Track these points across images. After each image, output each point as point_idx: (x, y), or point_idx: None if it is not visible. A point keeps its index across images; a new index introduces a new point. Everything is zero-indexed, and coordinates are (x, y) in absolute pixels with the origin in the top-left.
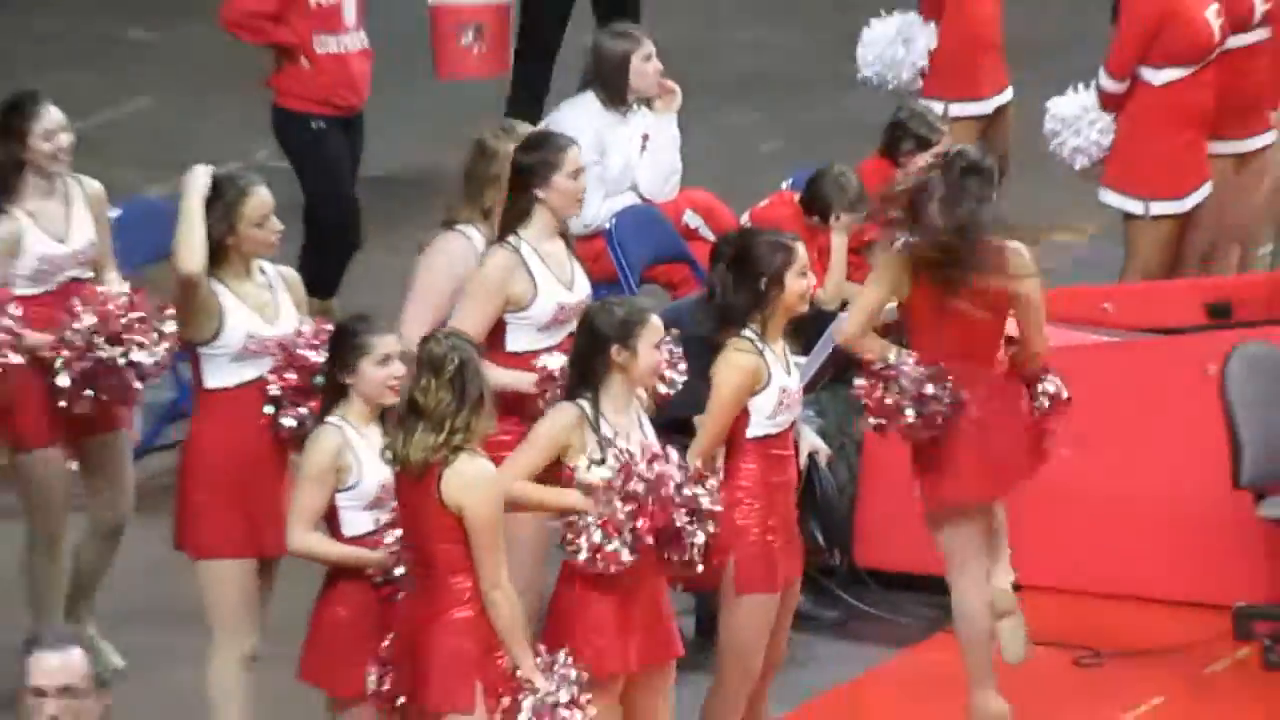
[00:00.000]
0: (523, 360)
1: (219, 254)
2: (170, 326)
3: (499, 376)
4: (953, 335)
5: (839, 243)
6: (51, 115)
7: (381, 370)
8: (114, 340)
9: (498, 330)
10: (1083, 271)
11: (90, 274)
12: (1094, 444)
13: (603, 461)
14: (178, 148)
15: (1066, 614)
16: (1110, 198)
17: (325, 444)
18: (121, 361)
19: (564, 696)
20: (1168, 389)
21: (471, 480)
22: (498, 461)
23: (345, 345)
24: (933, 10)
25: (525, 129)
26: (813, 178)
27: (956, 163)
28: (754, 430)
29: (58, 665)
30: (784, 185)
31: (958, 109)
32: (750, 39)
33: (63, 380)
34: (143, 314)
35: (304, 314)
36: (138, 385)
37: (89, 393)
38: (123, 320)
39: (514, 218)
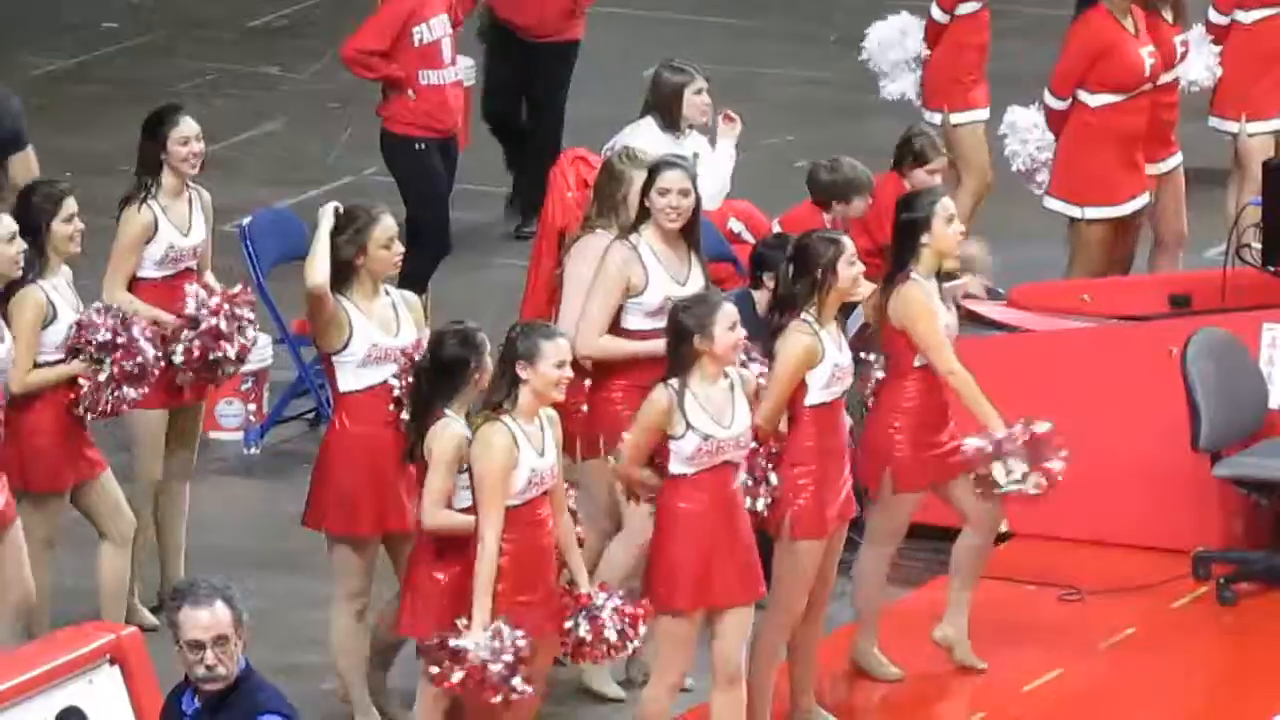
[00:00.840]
0: (638, 338)
1: (349, 274)
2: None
3: (634, 346)
4: None
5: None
6: (188, 124)
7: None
8: (225, 323)
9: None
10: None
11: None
12: (1075, 413)
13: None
14: (299, 165)
15: (1052, 557)
16: (1052, 204)
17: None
18: (228, 347)
19: (469, 656)
20: (1137, 367)
21: (480, 440)
22: (613, 416)
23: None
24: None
25: (647, 157)
26: (823, 170)
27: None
28: (811, 399)
29: (209, 619)
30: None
31: (957, 118)
32: (783, 75)
33: (179, 356)
34: (250, 302)
35: (423, 330)
36: (235, 367)
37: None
38: (233, 309)
39: (638, 220)
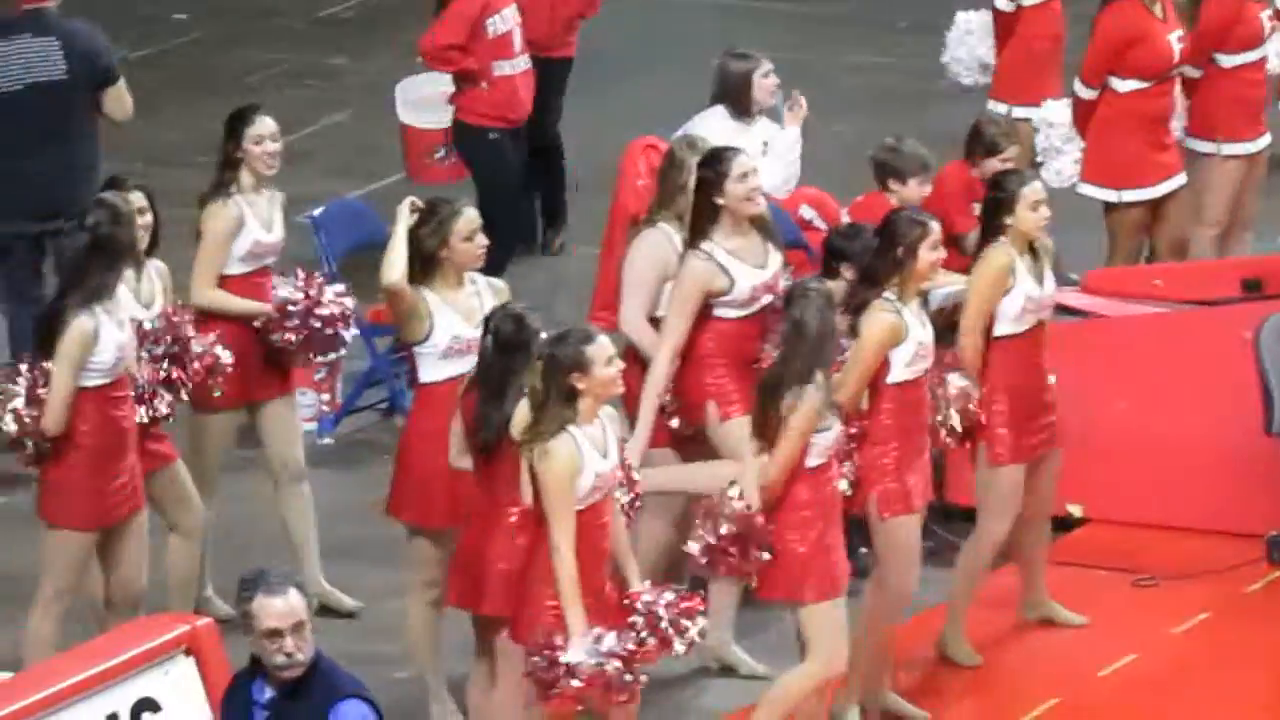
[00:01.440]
0: (732, 324)
1: (432, 266)
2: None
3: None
4: None
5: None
6: (264, 123)
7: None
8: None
9: (707, 307)
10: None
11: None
12: (1149, 399)
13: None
14: (368, 156)
15: (1127, 543)
16: (1087, 190)
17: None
18: (329, 331)
19: (583, 668)
20: (1210, 352)
21: (543, 451)
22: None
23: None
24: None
25: (707, 144)
26: (883, 150)
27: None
28: (893, 377)
29: (285, 607)
30: None
31: (1020, 112)
32: (852, 62)
33: (285, 337)
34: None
35: None
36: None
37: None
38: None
39: (704, 221)
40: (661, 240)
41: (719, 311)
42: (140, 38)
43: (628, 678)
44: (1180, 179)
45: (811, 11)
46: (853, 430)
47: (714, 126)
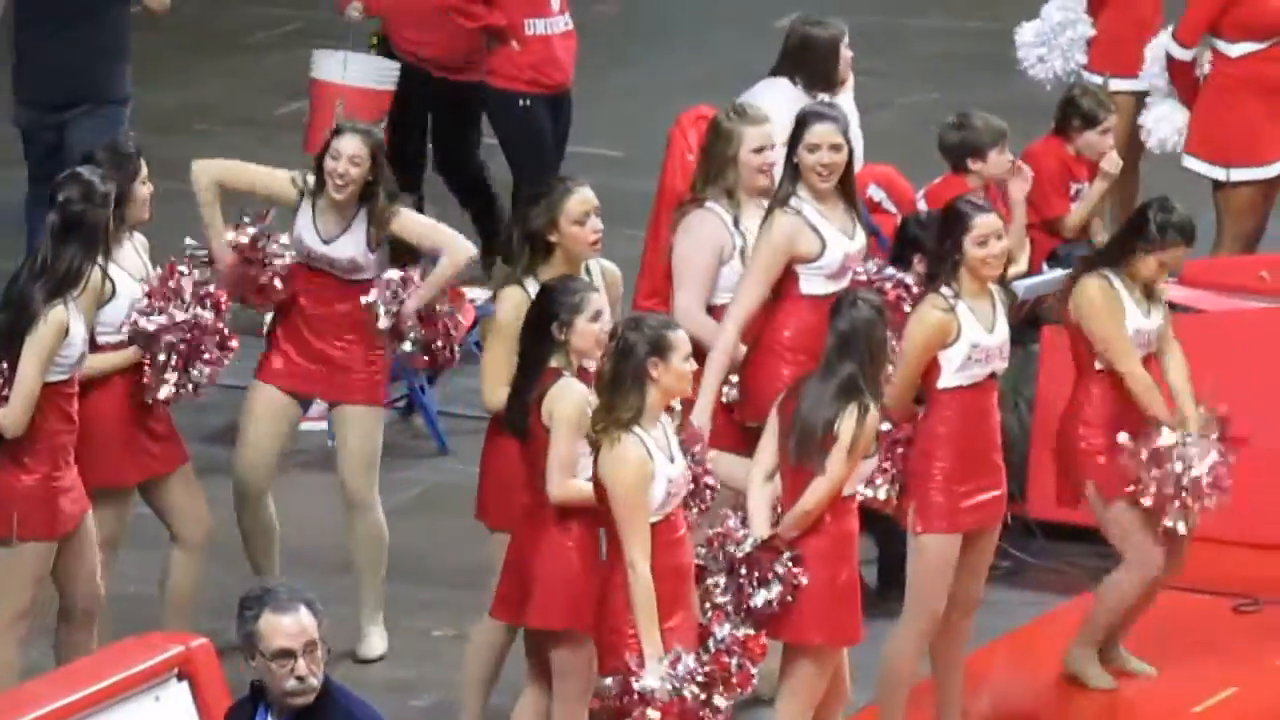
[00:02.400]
0: (815, 303)
1: (541, 249)
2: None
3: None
4: None
5: (1015, 197)
6: (343, 142)
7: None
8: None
9: (790, 279)
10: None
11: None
12: (1252, 403)
13: None
14: None
15: (1227, 563)
16: (1193, 164)
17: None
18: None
19: (659, 694)
20: None
21: (614, 459)
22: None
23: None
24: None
25: (757, 111)
26: (949, 130)
27: None
28: (944, 382)
29: (296, 626)
30: None
31: (1117, 84)
32: (926, 26)
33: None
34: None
35: (617, 310)
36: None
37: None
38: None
39: (787, 181)
40: (712, 221)
41: (805, 284)
42: None
43: (717, 701)
44: None
45: None
46: (899, 435)
47: (778, 99)
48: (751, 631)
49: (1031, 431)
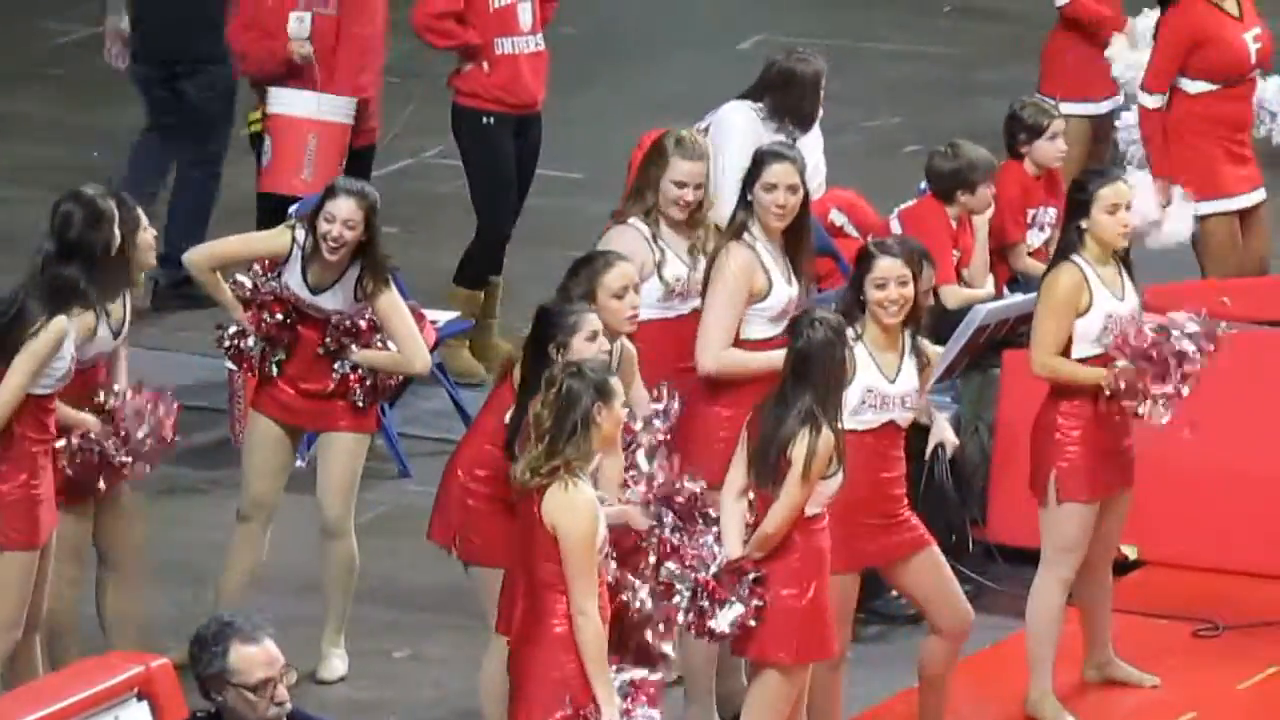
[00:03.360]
0: (754, 349)
1: None
2: None
3: (757, 359)
4: None
5: (979, 222)
6: (335, 205)
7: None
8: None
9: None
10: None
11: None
12: (1212, 427)
13: None
14: None
15: (1187, 588)
16: None
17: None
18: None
19: None
20: None
21: (568, 505)
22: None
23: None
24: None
25: (701, 148)
26: (943, 159)
27: None
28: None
29: (268, 655)
30: (921, 185)
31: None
32: (890, 50)
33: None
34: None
35: (633, 392)
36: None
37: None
38: None
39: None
40: (630, 235)
41: (747, 326)
42: (95, 12)
43: None
44: (1262, 192)
45: None
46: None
47: (741, 124)
48: (643, 674)
49: (992, 456)
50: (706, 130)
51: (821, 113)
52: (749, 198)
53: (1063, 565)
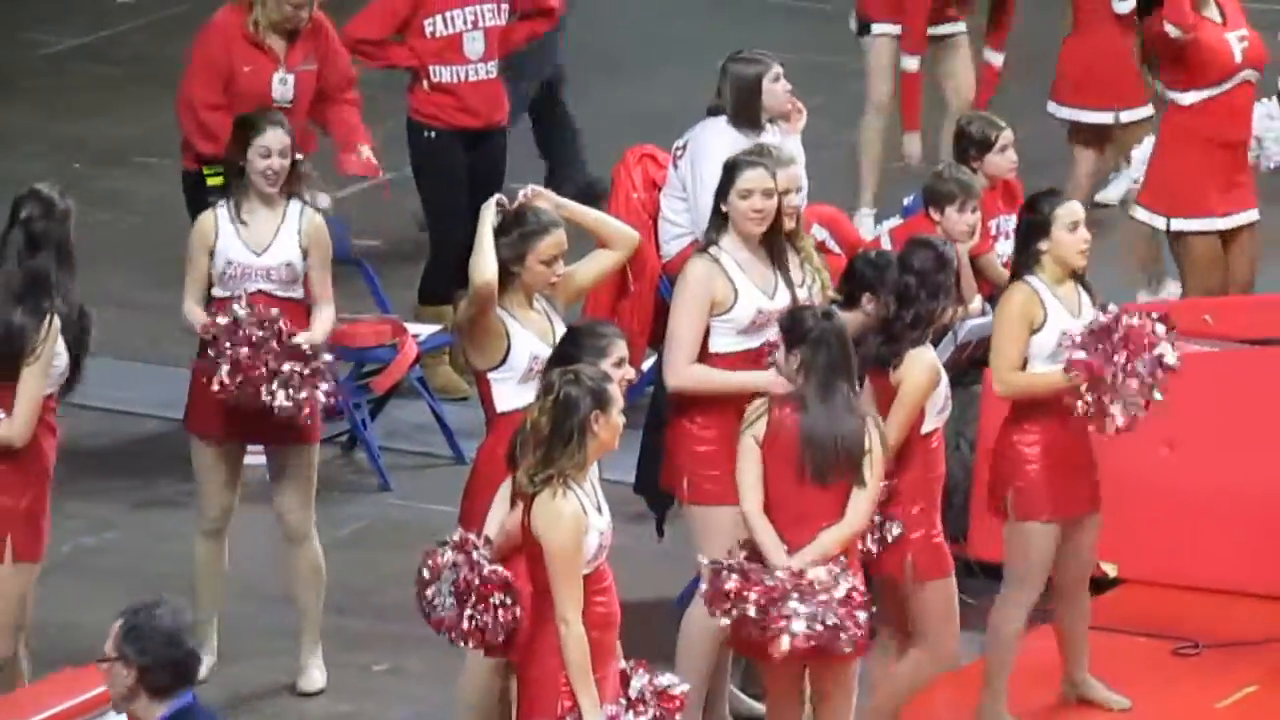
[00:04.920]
0: (724, 363)
1: (505, 279)
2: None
3: (726, 381)
4: None
5: (960, 249)
6: (269, 137)
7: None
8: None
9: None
10: None
11: (285, 291)
12: (1193, 446)
13: None
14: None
15: (1166, 606)
16: (1140, 213)
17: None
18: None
19: None
20: (1261, 396)
21: (552, 515)
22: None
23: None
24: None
25: (782, 154)
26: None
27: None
28: (926, 426)
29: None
30: (905, 201)
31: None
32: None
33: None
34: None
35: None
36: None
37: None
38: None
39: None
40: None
41: (714, 339)
42: (83, 23)
43: None
44: (1253, 213)
45: (825, 9)
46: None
47: (716, 139)
48: (668, 682)
49: (974, 472)
50: (685, 148)
51: (803, 119)
52: (723, 208)
53: (1023, 585)
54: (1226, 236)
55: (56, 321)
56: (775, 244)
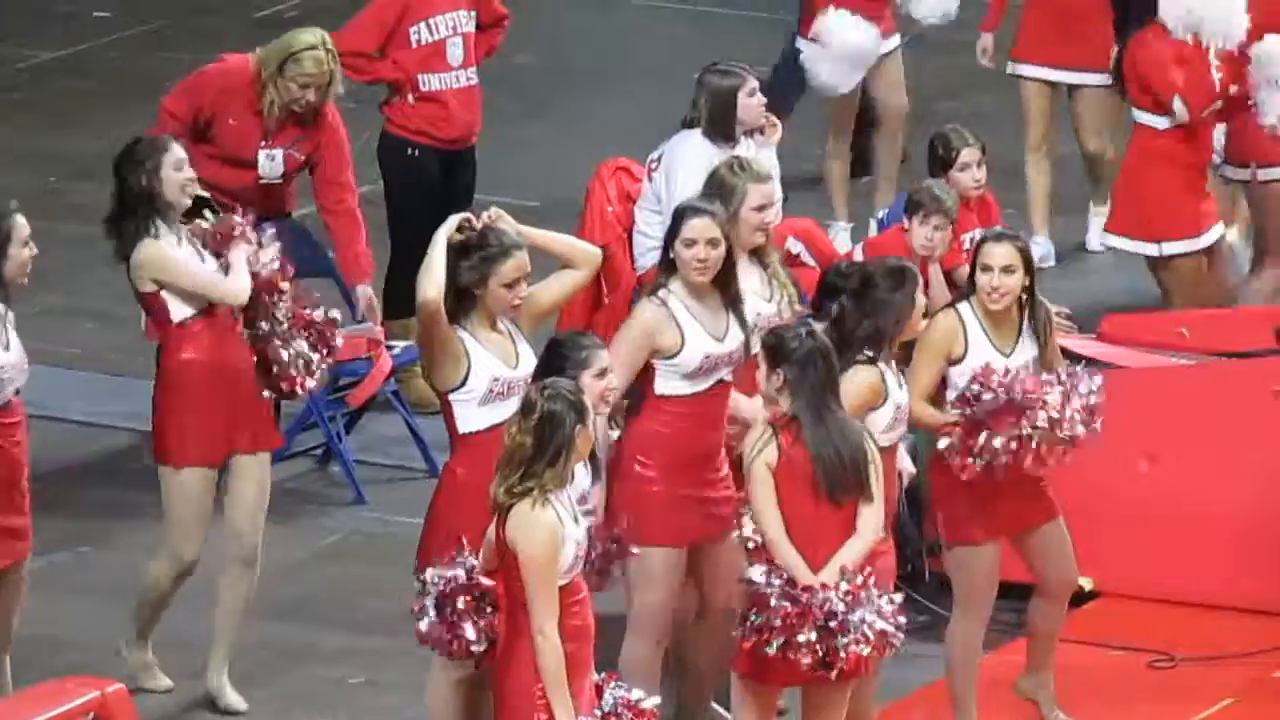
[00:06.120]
0: (669, 406)
1: (467, 302)
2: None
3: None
4: None
5: (932, 269)
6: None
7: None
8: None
9: (648, 377)
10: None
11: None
12: (1170, 459)
13: None
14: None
15: (1142, 619)
16: (1119, 242)
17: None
18: None
19: None
20: (1239, 409)
21: (528, 525)
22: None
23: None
24: None
25: (761, 167)
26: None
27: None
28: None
29: None
30: (880, 213)
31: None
32: None
33: None
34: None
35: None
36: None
37: None
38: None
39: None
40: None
41: (660, 382)
42: (58, 38)
43: None
44: (1221, 227)
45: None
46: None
47: (691, 152)
48: (639, 695)
49: None
50: (659, 160)
51: (778, 132)
52: (670, 255)
53: (969, 604)
54: (1208, 252)
55: None
56: (729, 286)
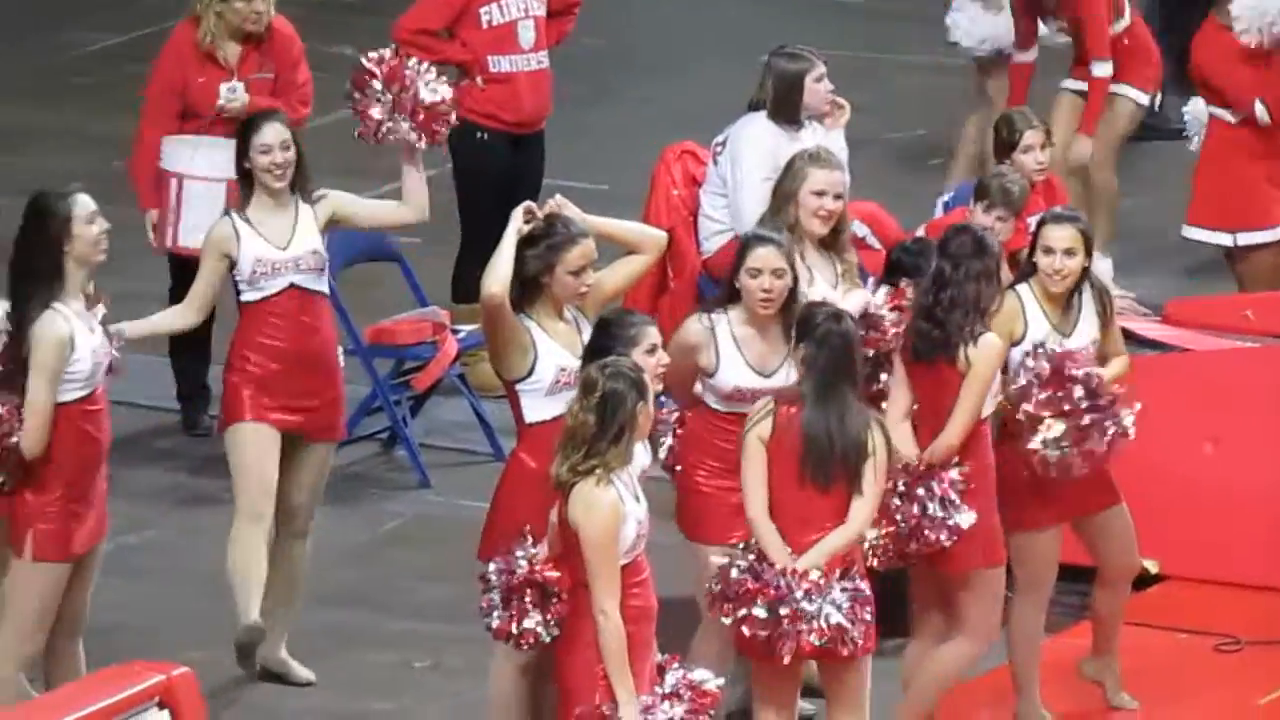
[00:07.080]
0: (714, 418)
1: (534, 291)
2: None
3: None
4: None
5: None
6: (266, 133)
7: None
8: None
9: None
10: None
11: (314, 284)
12: (1236, 442)
13: None
14: (375, 156)
15: (1208, 603)
16: (1196, 234)
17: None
18: None
19: None
20: None
21: (589, 503)
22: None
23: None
24: None
25: (832, 158)
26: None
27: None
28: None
29: None
30: (944, 197)
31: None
32: (909, 61)
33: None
34: None
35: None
36: None
37: None
38: None
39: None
40: None
41: (707, 396)
42: (124, 20)
43: None
44: None
45: (867, 5)
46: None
47: (758, 134)
48: (701, 677)
49: None
50: (725, 144)
51: (846, 116)
52: (736, 282)
53: (1030, 588)
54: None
55: (62, 327)
56: (789, 319)
